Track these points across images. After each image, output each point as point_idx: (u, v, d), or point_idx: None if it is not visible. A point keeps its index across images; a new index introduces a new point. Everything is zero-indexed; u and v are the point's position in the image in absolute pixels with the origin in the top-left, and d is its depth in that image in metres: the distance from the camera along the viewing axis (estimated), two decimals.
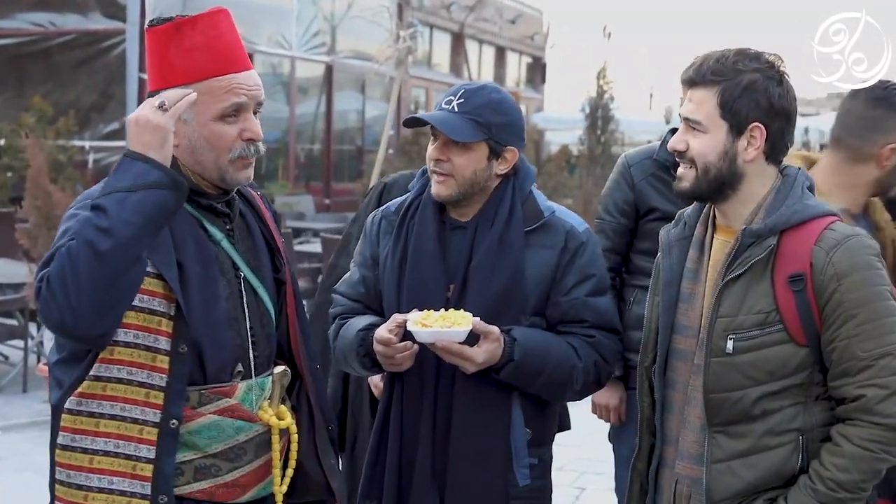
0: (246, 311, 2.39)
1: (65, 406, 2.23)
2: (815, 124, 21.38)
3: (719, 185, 2.41)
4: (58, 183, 9.80)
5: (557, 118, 24.02)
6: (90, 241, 2.06)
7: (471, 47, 24.95)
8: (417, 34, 15.75)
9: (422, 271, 2.77)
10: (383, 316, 2.80)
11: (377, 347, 2.69)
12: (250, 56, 2.38)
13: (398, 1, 19.94)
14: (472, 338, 2.62)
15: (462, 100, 2.74)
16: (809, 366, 2.35)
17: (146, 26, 2.34)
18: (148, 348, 2.23)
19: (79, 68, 14.48)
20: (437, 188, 2.77)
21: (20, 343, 7.92)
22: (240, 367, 2.36)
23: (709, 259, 2.47)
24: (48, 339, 7.40)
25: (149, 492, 2.22)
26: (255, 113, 2.35)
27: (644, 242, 3.57)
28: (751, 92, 2.36)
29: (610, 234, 3.62)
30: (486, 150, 2.75)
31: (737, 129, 2.38)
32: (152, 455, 2.22)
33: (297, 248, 11.23)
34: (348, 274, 2.99)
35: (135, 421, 2.22)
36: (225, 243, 2.39)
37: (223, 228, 2.40)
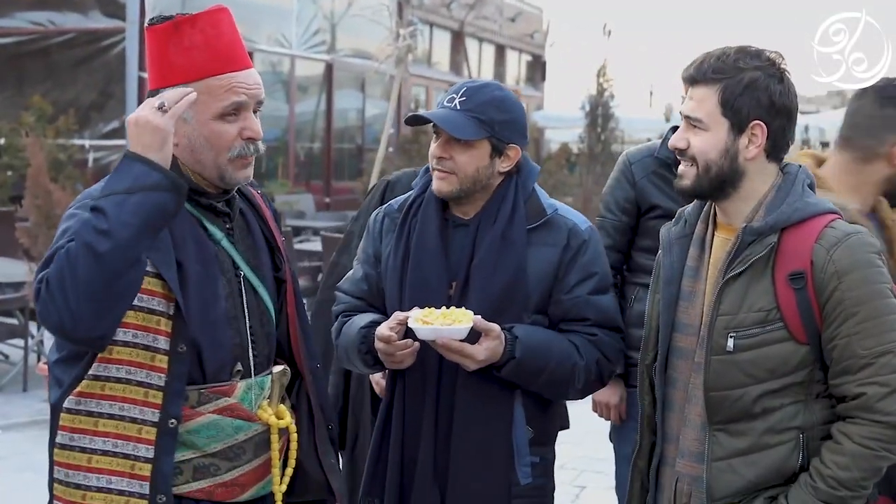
0: (246, 310, 2.39)
1: (63, 405, 2.23)
2: (814, 122, 21.36)
3: (720, 183, 2.41)
4: (58, 182, 9.80)
5: (557, 116, 24.01)
6: (89, 243, 2.06)
7: (471, 45, 24.95)
8: (417, 32, 15.74)
9: (424, 269, 2.77)
10: (386, 314, 2.79)
11: (378, 345, 2.69)
12: (250, 55, 2.38)
13: None
14: (474, 335, 2.62)
15: (464, 97, 2.74)
16: (810, 364, 2.35)
17: (146, 25, 2.34)
18: (147, 348, 2.23)
19: (78, 67, 14.47)
20: (437, 184, 2.77)
21: (20, 342, 7.93)
22: (239, 367, 2.36)
23: (709, 257, 2.47)
24: (48, 338, 7.39)
25: (147, 491, 2.22)
26: (255, 112, 2.34)
27: (645, 240, 3.57)
28: (752, 90, 2.36)
29: (611, 232, 3.62)
30: (489, 148, 2.75)
31: (738, 126, 2.38)
32: (151, 454, 2.22)
33: (297, 246, 11.23)
34: (351, 271, 3.00)
35: (133, 420, 2.22)
36: (225, 242, 2.38)
37: (223, 227, 2.39)
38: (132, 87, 13.85)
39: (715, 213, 2.50)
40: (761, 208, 2.40)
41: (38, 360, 7.78)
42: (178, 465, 2.27)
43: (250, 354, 2.38)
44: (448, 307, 2.67)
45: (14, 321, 7.70)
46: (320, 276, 8.98)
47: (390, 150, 15.25)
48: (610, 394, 3.68)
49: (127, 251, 2.07)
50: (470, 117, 2.71)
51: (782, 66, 2.39)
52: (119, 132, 13.75)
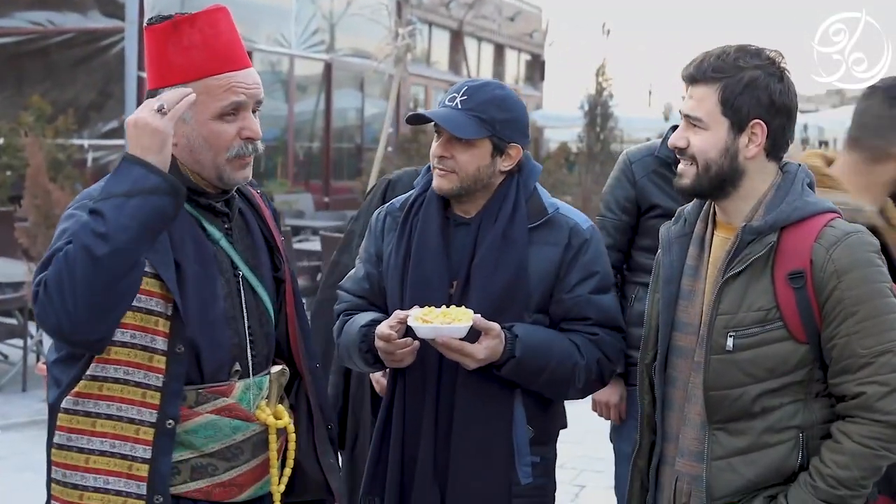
0: (244, 310, 2.39)
1: (61, 405, 2.23)
2: (813, 121, 21.38)
3: (720, 182, 2.41)
4: (57, 182, 9.81)
5: (556, 115, 24.02)
6: (87, 246, 2.05)
7: (470, 45, 24.95)
8: (416, 32, 15.71)
9: (425, 267, 2.77)
10: (388, 312, 2.79)
11: (378, 343, 2.68)
12: (249, 54, 2.37)
13: None
14: (474, 334, 2.62)
15: (465, 97, 2.74)
16: (809, 363, 2.35)
17: (145, 25, 2.33)
18: (145, 348, 2.22)
19: (77, 67, 14.47)
20: (438, 182, 2.77)
21: (19, 342, 7.92)
22: (237, 367, 2.36)
23: (709, 256, 2.47)
24: (47, 338, 7.35)
25: (144, 492, 2.22)
26: (254, 111, 2.34)
27: (645, 239, 3.57)
28: (752, 89, 2.36)
29: (611, 231, 3.62)
30: (490, 147, 2.74)
31: (738, 125, 2.38)
32: (148, 455, 2.22)
33: (297, 246, 11.23)
34: (353, 270, 3.00)
35: (131, 421, 2.22)
36: (223, 242, 2.38)
37: (222, 227, 2.39)
38: (131, 86, 13.84)
39: (714, 212, 2.50)
40: (761, 207, 2.40)
41: (38, 360, 7.77)
42: (175, 465, 2.27)
43: (249, 354, 2.38)
44: (449, 306, 2.67)
45: (13, 321, 7.70)
46: (319, 276, 8.98)
47: (389, 149, 15.24)
48: (610, 393, 3.68)
49: (125, 255, 2.07)
50: (471, 116, 2.71)
51: (782, 64, 2.39)
52: (118, 132, 13.75)
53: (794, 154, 2.57)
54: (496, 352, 2.65)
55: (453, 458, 2.73)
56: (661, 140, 3.61)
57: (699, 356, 2.42)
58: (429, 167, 2.88)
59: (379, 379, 3.25)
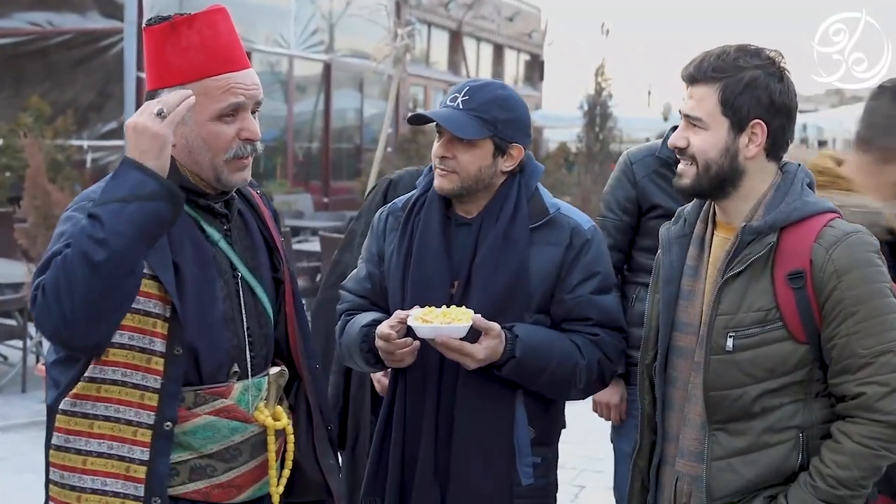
0: (243, 311, 2.38)
1: (59, 407, 2.22)
2: (813, 121, 21.40)
3: (720, 182, 2.41)
4: (56, 182, 9.81)
5: (555, 115, 24.04)
6: (85, 252, 2.05)
7: (469, 45, 24.94)
8: (415, 32, 15.73)
9: (426, 267, 2.77)
10: (389, 312, 2.79)
11: (379, 343, 2.68)
12: (248, 55, 2.37)
13: None
14: (474, 334, 2.62)
15: (467, 97, 2.74)
16: (809, 363, 2.35)
17: (143, 25, 2.33)
18: (143, 350, 2.22)
19: (77, 68, 14.46)
20: (439, 181, 2.77)
21: (19, 343, 7.91)
22: (236, 368, 2.35)
23: (709, 256, 2.47)
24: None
25: (142, 493, 2.21)
26: (253, 112, 2.33)
27: (646, 240, 3.56)
28: (752, 89, 2.36)
29: (612, 232, 3.61)
30: (492, 147, 2.74)
31: (738, 125, 2.38)
32: (146, 457, 2.22)
33: (296, 246, 11.23)
34: (356, 270, 3.00)
35: (129, 423, 2.22)
36: (222, 244, 2.38)
37: (221, 229, 2.39)
38: (130, 87, 13.83)
39: (714, 213, 2.49)
40: (760, 207, 2.40)
41: (37, 361, 7.77)
42: (174, 466, 2.27)
43: (247, 356, 2.38)
44: (450, 306, 2.67)
45: (13, 322, 7.69)
46: (319, 277, 8.98)
47: (389, 149, 15.24)
48: (611, 394, 3.68)
49: (123, 260, 2.06)
50: (472, 116, 2.71)
51: (782, 64, 2.39)
52: (117, 133, 13.74)
53: (798, 155, 2.56)
54: (496, 352, 2.65)
55: (454, 459, 2.73)
56: (661, 140, 3.61)
57: (699, 356, 2.42)
58: (430, 167, 2.87)
59: (380, 378, 3.25)
